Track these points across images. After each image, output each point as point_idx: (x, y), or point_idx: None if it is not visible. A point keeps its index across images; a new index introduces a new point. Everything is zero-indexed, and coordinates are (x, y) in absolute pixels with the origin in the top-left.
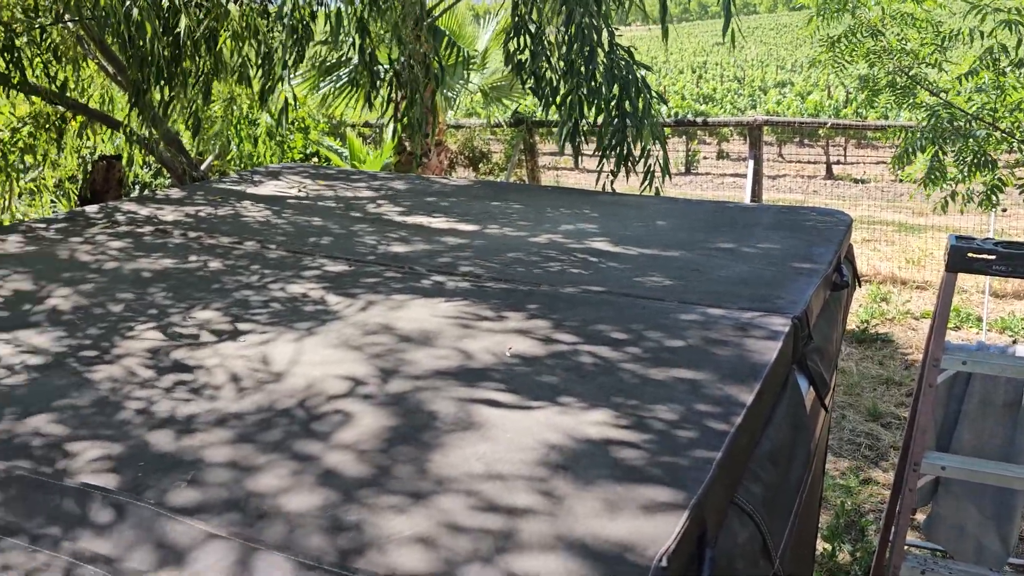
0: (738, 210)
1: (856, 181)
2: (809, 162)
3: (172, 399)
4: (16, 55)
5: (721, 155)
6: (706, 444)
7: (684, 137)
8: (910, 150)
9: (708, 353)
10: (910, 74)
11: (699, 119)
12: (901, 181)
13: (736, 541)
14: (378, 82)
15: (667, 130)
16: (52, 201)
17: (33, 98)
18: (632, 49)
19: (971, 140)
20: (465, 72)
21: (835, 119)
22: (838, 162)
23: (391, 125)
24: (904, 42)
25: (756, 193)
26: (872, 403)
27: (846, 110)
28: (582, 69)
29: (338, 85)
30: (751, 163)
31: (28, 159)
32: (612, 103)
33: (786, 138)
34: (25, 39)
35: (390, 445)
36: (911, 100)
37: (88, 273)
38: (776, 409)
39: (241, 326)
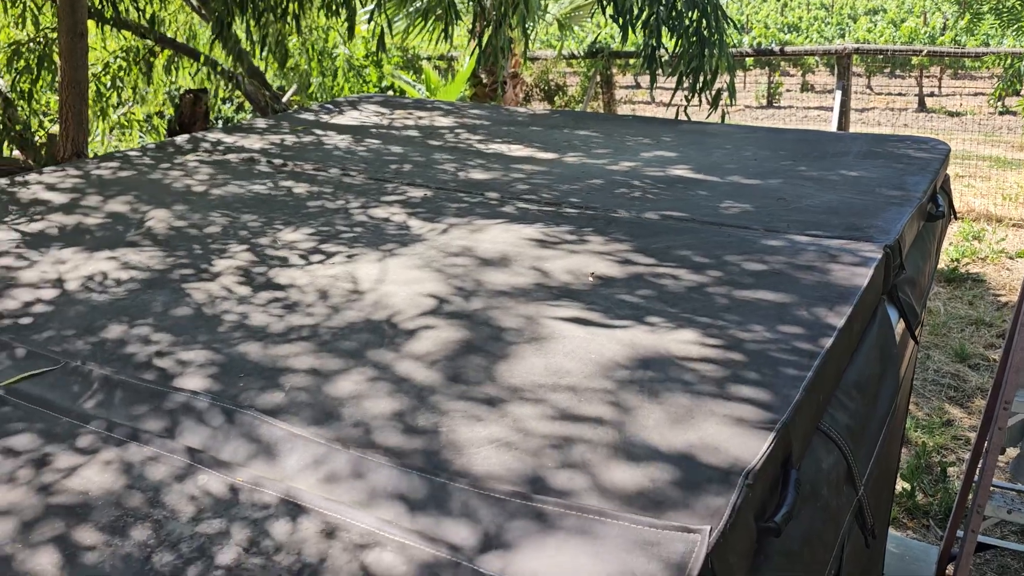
0: (826, 138)
1: (951, 114)
2: (900, 94)
3: (265, 313)
4: None
5: (805, 87)
6: (794, 366)
7: (767, 68)
8: (1015, 78)
9: (796, 279)
10: None
11: (780, 48)
12: (1001, 113)
13: (821, 467)
14: (459, 12)
15: (748, 60)
16: (140, 136)
17: (124, 32)
18: None
19: None
20: (542, 2)
21: (931, 46)
22: (932, 94)
23: (467, 56)
24: None
25: (843, 126)
26: (960, 344)
27: (943, 37)
28: None
29: (414, 18)
30: (838, 94)
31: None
32: (691, 29)
33: (876, 68)
34: None
35: (466, 357)
36: (1018, 24)
37: (181, 197)
38: (865, 338)
39: (328, 248)
